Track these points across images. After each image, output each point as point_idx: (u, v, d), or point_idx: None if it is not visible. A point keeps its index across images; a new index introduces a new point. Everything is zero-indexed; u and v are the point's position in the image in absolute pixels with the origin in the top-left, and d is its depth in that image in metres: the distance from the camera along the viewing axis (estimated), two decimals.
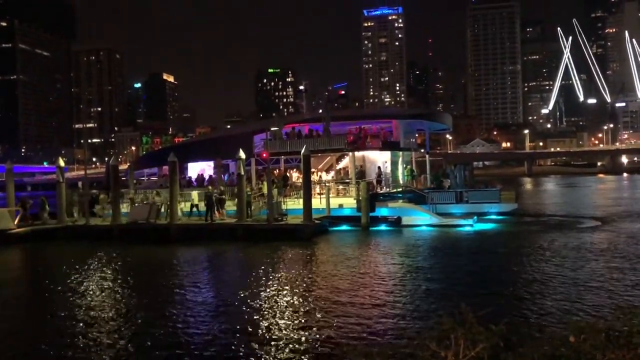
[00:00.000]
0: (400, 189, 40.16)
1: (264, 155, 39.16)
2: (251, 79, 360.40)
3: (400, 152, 43.88)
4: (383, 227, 33.23)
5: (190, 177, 41.96)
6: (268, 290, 17.89)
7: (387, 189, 39.51)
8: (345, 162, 41.70)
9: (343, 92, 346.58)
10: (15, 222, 33.67)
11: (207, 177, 40.78)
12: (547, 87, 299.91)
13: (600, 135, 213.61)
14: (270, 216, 31.16)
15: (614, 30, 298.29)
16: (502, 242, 27.85)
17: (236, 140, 40.42)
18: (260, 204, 34.54)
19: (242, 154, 32.60)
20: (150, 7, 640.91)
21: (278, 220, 31.51)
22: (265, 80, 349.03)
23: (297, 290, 17.68)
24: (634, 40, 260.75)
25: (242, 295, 17.03)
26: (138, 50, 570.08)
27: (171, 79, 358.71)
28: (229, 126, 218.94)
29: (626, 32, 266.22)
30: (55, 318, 15.41)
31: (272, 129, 39.90)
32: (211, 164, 41.75)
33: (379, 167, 40.44)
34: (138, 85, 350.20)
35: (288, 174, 39.68)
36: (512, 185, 74.45)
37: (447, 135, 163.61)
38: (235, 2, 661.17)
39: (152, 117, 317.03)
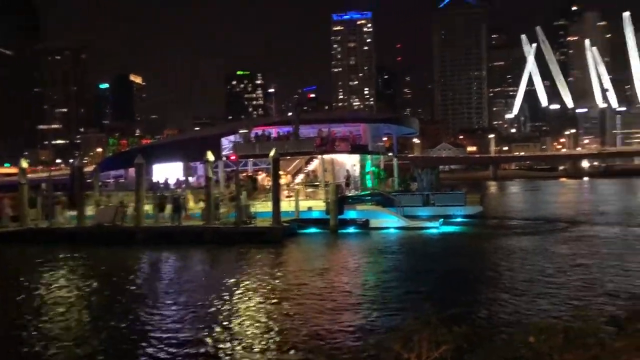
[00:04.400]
0: (369, 192, 40.44)
1: (233, 157, 38.94)
2: (220, 82, 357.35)
3: (369, 156, 44.23)
4: (351, 230, 33.42)
5: (158, 181, 41.41)
6: (233, 294, 17.79)
7: (356, 192, 39.74)
8: (314, 164, 41.77)
9: (313, 95, 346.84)
10: None
11: (174, 180, 40.31)
12: (512, 93, 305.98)
13: (562, 140, 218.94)
14: (238, 219, 31.00)
15: (575, 38, 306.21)
16: (467, 244, 28.34)
17: (204, 142, 40.06)
18: (228, 206, 34.32)
19: (210, 156, 32.36)
20: (118, 6, 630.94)
21: (246, 223, 31.38)
22: (234, 83, 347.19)
23: (263, 294, 17.65)
24: (594, 48, 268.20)
25: (206, 299, 16.90)
26: (105, 51, 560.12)
27: (139, 79, 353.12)
28: (197, 128, 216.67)
29: (587, 41, 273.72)
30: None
31: (241, 131, 39.71)
32: (179, 165, 41.30)
33: (348, 170, 40.65)
34: (105, 85, 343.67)
35: (257, 177, 39.54)
36: (477, 188, 75.67)
37: (415, 139, 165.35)
38: (205, 4, 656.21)
39: (119, 118, 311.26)
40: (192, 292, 18.54)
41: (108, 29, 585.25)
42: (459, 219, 37.62)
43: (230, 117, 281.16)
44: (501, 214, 44.94)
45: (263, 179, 39.18)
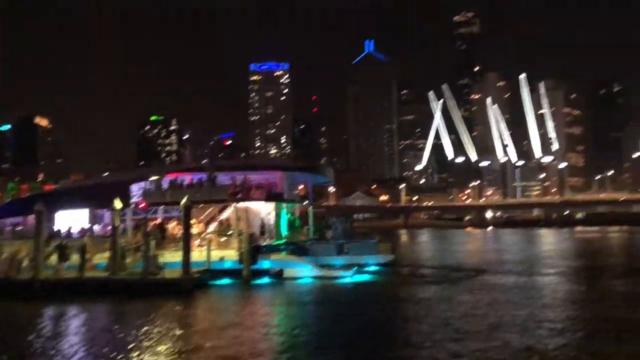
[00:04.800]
0: (283, 241, 40.23)
1: (142, 205, 37.59)
2: (133, 126, 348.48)
3: (285, 204, 44.19)
4: (265, 280, 32.90)
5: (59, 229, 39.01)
6: (134, 351, 16.78)
7: (270, 241, 39.39)
8: (228, 213, 41.11)
9: (229, 142, 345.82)
10: None
11: (78, 228, 38.15)
12: (421, 146, 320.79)
13: (468, 191, 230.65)
14: (145, 269, 29.68)
15: (478, 96, 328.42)
16: (378, 293, 28.68)
17: (112, 188, 38.43)
18: (135, 256, 32.81)
19: (117, 204, 31.04)
20: (24, 44, 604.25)
21: (154, 274, 30.08)
22: (147, 128, 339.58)
23: (168, 350, 16.78)
24: (495, 106, 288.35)
25: (106, 357, 15.81)
26: (9, 91, 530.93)
27: (45, 122, 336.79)
28: (106, 174, 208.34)
29: (488, 99, 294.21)
30: None
31: (152, 177, 38.54)
32: (85, 212, 39.22)
33: (262, 219, 40.33)
34: (6, 127, 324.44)
35: (166, 226, 38.26)
36: (389, 237, 77.44)
37: (330, 188, 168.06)
38: (118, 46, 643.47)
39: (20, 162, 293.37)
40: (89, 349, 17.27)
41: (14, 69, 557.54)
42: (371, 268, 38.13)
43: (141, 163, 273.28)
44: (412, 262, 46.09)
45: (174, 227, 37.96)
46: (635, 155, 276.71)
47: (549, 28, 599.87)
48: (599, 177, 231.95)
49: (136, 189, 39.10)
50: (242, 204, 39.18)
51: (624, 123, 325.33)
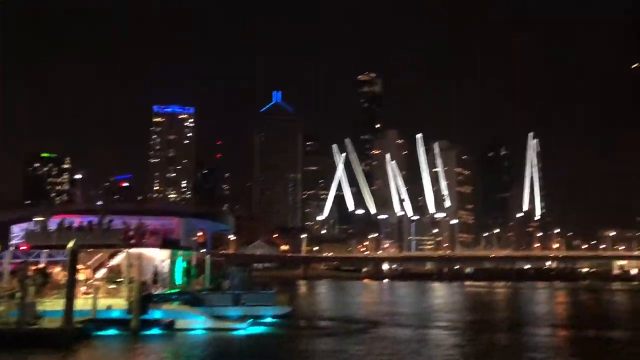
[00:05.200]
0: (177, 290, 38.66)
1: (24, 247, 34.87)
2: (20, 163, 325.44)
3: (181, 251, 42.70)
4: (155, 331, 31.25)
5: None
6: None
7: (163, 290, 37.70)
8: (119, 259, 38.99)
9: (127, 184, 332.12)
10: None
11: None
12: (323, 196, 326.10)
13: (366, 243, 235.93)
14: (21, 318, 27.17)
15: (378, 152, 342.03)
16: (272, 346, 28.12)
17: None
18: (9, 303, 30.00)
19: None
20: None
21: (30, 324, 27.59)
22: (37, 165, 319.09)
23: None
24: (393, 162, 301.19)
25: None
26: None
27: None
28: None
29: (387, 155, 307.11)
30: None
31: (37, 218, 35.95)
32: None
33: (156, 266, 38.65)
34: None
35: (50, 270, 35.55)
36: (288, 287, 77.03)
37: (230, 236, 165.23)
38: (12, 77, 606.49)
39: None
40: None
41: None
42: (268, 320, 37.47)
43: (28, 202, 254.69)
44: (309, 314, 45.88)
45: (58, 272, 35.34)
46: (518, 215, 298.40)
47: (444, 93, 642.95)
48: (486, 234, 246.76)
49: (18, 230, 36.27)
50: (135, 250, 37.41)
51: (509, 184, 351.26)
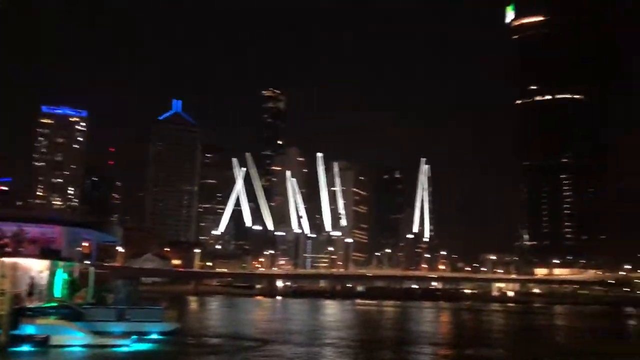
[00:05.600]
0: (55, 304, 36.03)
1: None
2: None
3: (61, 262, 39.94)
4: (26, 348, 28.85)
5: None
6: None
7: (40, 303, 34.98)
8: None
9: (5, 188, 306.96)
10: None
11: None
12: (220, 211, 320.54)
13: (261, 259, 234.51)
14: None
15: (279, 168, 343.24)
16: None
17: None
18: None
19: None
20: None
21: None
22: None
23: None
24: (293, 179, 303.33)
25: None
26: None
27: None
28: None
29: (288, 172, 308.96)
30: None
31: None
32: None
33: (33, 277, 35.85)
34: None
35: None
36: (178, 303, 74.50)
37: (119, 248, 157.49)
38: None
39: None
40: None
41: None
42: (154, 337, 35.86)
43: None
44: (198, 331, 44.59)
45: None
46: (409, 236, 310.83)
47: (345, 115, 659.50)
48: (378, 254, 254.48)
49: None
50: (9, 259, 34.54)
51: (402, 206, 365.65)
